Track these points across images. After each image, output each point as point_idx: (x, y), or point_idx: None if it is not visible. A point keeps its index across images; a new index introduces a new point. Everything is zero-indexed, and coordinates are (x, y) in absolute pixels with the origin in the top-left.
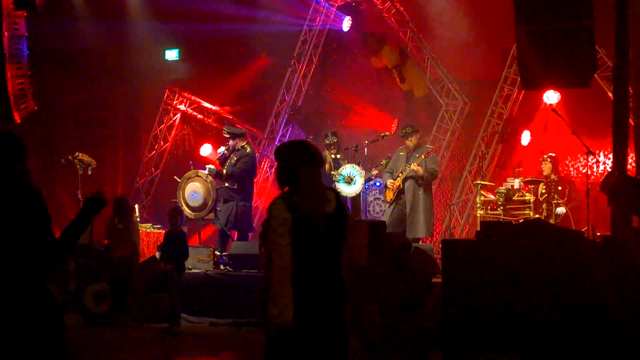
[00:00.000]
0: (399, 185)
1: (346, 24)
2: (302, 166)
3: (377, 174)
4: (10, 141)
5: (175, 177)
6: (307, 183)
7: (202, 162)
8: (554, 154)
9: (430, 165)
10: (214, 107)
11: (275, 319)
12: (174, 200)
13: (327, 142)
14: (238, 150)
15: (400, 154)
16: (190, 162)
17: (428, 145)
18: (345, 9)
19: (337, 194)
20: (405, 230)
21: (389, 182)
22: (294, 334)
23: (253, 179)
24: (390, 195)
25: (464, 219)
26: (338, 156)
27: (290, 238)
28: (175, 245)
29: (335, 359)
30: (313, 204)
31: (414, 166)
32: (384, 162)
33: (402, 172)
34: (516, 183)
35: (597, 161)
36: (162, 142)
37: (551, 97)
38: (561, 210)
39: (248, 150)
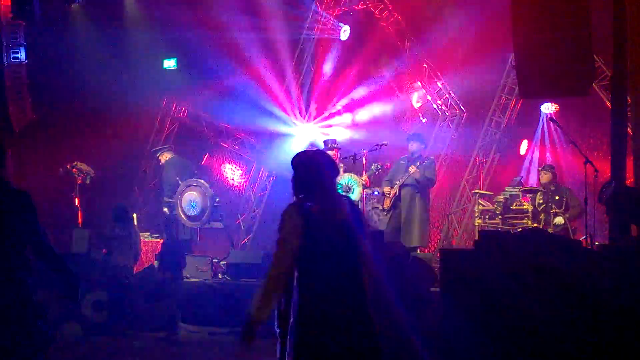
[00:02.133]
0: (396, 192)
1: (344, 34)
2: (321, 174)
3: (366, 179)
4: None
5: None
6: (325, 191)
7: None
8: (552, 165)
9: (428, 172)
10: (211, 117)
11: (253, 317)
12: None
13: (328, 149)
14: None
15: (401, 162)
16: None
17: (431, 157)
18: (343, 18)
19: (351, 202)
20: (400, 238)
21: (386, 189)
22: (316, 336)
23: None
24: (387, 203)
25: (462, 228)
26: None
27: (297, 243)
28: (173, 255)
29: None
30: (327, 210)
31: (412, 169)
32: (373, 167)
33: (399, 180)
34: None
35: (595, 170)
36: None
37: (549, 107)
38: (559, 220)
39: None
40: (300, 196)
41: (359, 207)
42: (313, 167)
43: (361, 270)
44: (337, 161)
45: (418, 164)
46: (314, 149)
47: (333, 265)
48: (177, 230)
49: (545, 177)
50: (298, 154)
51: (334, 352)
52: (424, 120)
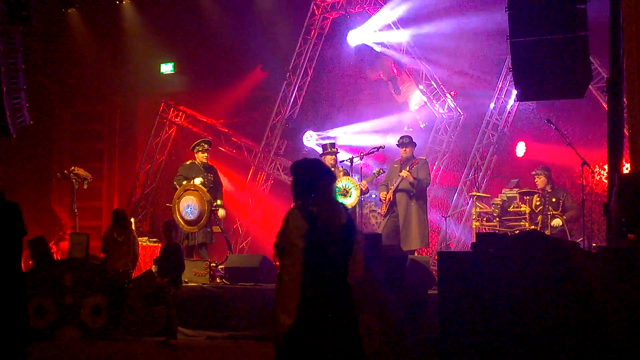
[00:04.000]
0: (390, 197)
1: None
2: (320, 180)
3: (366, 184)
4: None
5: (175, 183)
6: (325, 196)
7: None
8: (546, 167)
9: (421, 174)
10: (209, 121)
11: (282, 326)
12: (168, 204)
13: (327, 152)
14: None
15: (395, 166)
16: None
17: (422, 157)
18: (340, 22)
19: (346, 208)
20: (399, 242)
21: (382, 194)
22: (305, 336)
23: None
24: (383, 209)
25: (460, 230)
26: (332, 169)
27: (304, 245)
28: (171, 259)
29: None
30: (330, 215)
31: (403, 173)
32: (375, 171)
33: (393, 184)
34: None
35: (592, 172)
36: (157, 156)
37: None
38: (557, 222)
39: None
40: (300, 201)
41: (356, 210)
42: (313, 174)
43: (350, 273)
44: (335, 164)
45: (408, 168)
46: (312, 157)
47: (330, 267)
48: (177, 234)
49: (540, 180)
50: (298, 161)
51: (323, 352)
52: (422, 126)
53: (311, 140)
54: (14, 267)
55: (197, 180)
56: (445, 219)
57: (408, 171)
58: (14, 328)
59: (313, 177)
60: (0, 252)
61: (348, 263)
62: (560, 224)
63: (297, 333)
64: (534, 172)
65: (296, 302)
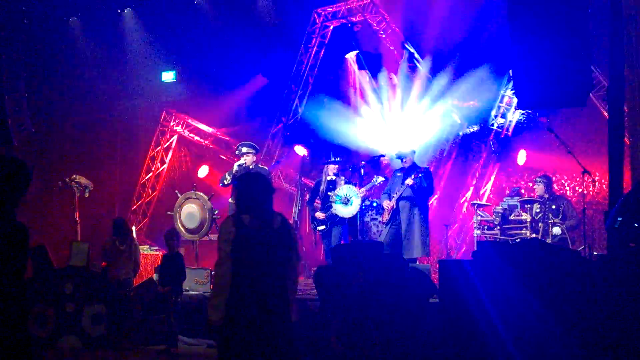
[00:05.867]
0: (393, 205)
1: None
2: (256, 193)
3: (366, 191)
4: None
5: (176, 191)
6: (260, 206)
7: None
8: (546, 175)
9: (425, 181)
10: (210, 129)
11: (211, 320)
12: (169, 212)
13: (330, 161)
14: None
15: (398, 174)
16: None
17: (425, 166)
18: (341, 30)
19: (284, 218)
20: (401, 250)
21: (385, 202)
22: (234, 330)
23: None
24: (385, 217)
25: (461, 238)
26: (334, 178)
27: (231, 249)
28: (172, 268)
29: (278, 348)
30: (260, 224)
31: (408, 181)
32: (375, 179)
33: (396, 193)
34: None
35: (593, 180)
36: (159, 164)
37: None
38: (557, 230)
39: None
40: (239, 210)
41: (357, 218)
42: (249, 187)
43: (286, 276)
44: (338, 173)
45: (413, 176)
46: (254, 172)
47: (258, 270)
48: (178, 242)
49: (538, 188)
50: (240, 176)
51: (254, 350)
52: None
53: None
54: (14, 285)
55: None
56: (447, 227)
57: (412, 179)
58: (14, 338)
59: (250, 191)
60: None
61: (281, 269)
62: (560, 232)
63: (226, 327)
64: (533, 181)
65: (223, 299)
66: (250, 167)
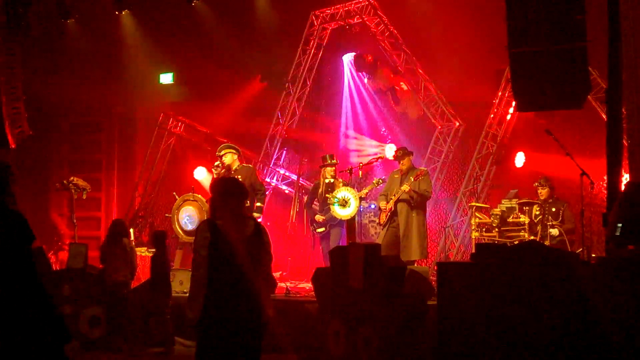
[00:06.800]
0: (391, 207)
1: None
2: (227, 198)
3: (367, 193)
4: None
5: (174, 193)
6: (234, 211)
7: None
8: (547, 177)
9: (423, 186)
10: (208, 131)
11: (188, 319)
12: (167, 215)
13: (327, 164)
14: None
15: (395, 176)
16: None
17: (422, 167)
18: (339, 32)
19: (257, 223)
20: (399, 252)
21: (382, 204)
22: (210, 330)
23: None
24: (383, 218)
25: (459, 241)
26: (332, 180)
27: (207, 253)
28: (159, 269)
29: (251, 347)
30: (231, 228)
31: (405, 187)
32: (375, 181)
33: (394, 195)
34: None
35: (591, 183)
36: (157, 166)
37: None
38: (554, 232)
39: None
40: (213, 216)
41: (356, 220)
42: (222, 192)
43: (259, 277)
44: (335, 176)
45: (412, 179)
46: (228, 177)
47: (232, 273)
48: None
49: (544, 192)
50: (214, 180)
51: (228, 350)
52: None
53: None
54: (27, 273)
55: None
56: (445, 230)
57: (412, 183)
58: (49, 330)
59: (223, 195)
60: (9, 262)
61: (255, 271)
62: (558, 233)
63: (203, 325)
64: (536, 184)
65: (199, 301)
66: (234, 167)
